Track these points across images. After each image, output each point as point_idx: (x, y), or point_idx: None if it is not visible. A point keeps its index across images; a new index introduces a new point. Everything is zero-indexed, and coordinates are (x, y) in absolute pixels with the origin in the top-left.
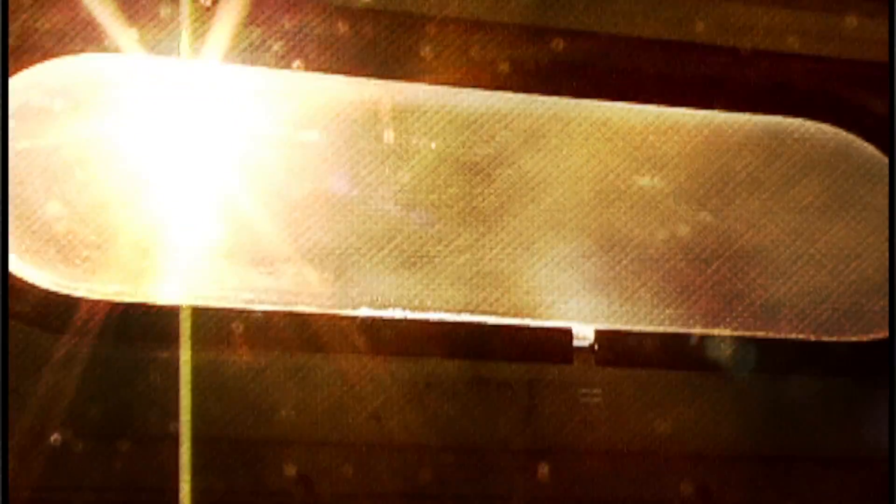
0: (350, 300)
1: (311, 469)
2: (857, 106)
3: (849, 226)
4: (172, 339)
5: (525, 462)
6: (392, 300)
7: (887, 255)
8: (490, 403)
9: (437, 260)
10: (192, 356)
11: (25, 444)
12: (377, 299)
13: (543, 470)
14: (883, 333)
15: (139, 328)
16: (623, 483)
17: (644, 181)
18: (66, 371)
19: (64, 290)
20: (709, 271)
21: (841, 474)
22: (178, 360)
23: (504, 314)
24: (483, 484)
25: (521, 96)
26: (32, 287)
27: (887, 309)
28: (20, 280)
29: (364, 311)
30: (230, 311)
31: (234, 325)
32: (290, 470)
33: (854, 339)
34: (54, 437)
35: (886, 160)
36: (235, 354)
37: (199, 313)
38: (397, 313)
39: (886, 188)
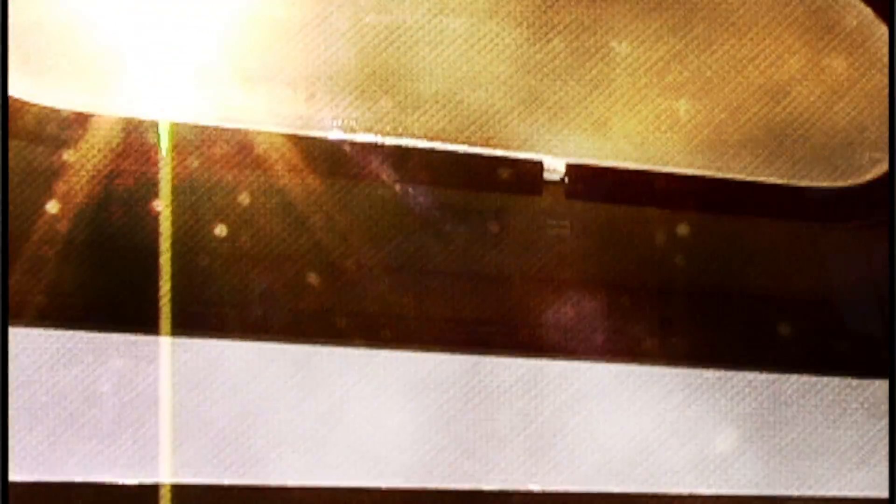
0: (321, 122)
1: (279, 283)
2: None
3: (823, 85)
4: (146, 154)
5: (488, 286)
6: (364, 125)
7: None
8: (456, 229)
9: (411, 87)
10: (165, 171)
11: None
12: (349, 123)
13: (507, 295)
14: (856, 180)
15: (113, 142)
16: (585, 312)
17: (623, 22)
18: (40, 182)
19: (29, 99)
20: (681, 111)
21: (800, 315)
22: (153, 174)
23: (476, 144)
24: (442, 304)
25: None
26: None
27: (866, 157)
28: None
29: (335, 135)
30: (202, 128)
31: (205, 143)
32: (260, 283)
33: (825, 184)
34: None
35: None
36: (207, 172)
37: (174, 129)
38: (369, 138)
39: (865, 36)
